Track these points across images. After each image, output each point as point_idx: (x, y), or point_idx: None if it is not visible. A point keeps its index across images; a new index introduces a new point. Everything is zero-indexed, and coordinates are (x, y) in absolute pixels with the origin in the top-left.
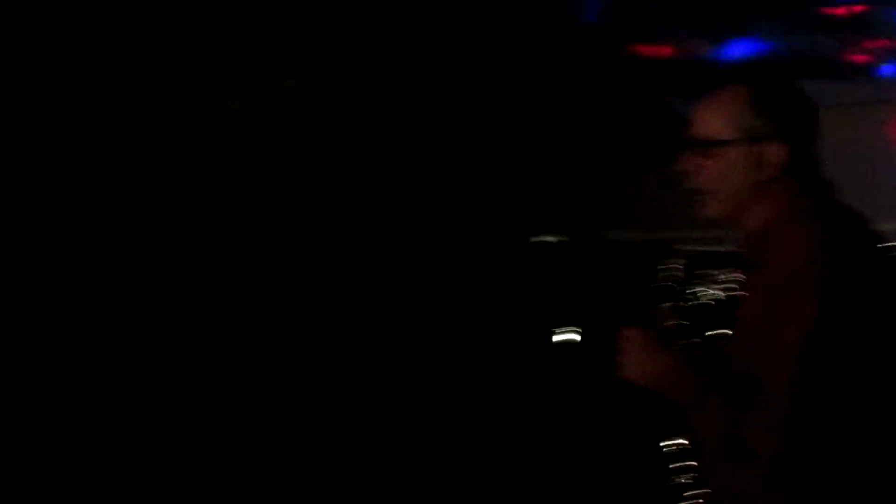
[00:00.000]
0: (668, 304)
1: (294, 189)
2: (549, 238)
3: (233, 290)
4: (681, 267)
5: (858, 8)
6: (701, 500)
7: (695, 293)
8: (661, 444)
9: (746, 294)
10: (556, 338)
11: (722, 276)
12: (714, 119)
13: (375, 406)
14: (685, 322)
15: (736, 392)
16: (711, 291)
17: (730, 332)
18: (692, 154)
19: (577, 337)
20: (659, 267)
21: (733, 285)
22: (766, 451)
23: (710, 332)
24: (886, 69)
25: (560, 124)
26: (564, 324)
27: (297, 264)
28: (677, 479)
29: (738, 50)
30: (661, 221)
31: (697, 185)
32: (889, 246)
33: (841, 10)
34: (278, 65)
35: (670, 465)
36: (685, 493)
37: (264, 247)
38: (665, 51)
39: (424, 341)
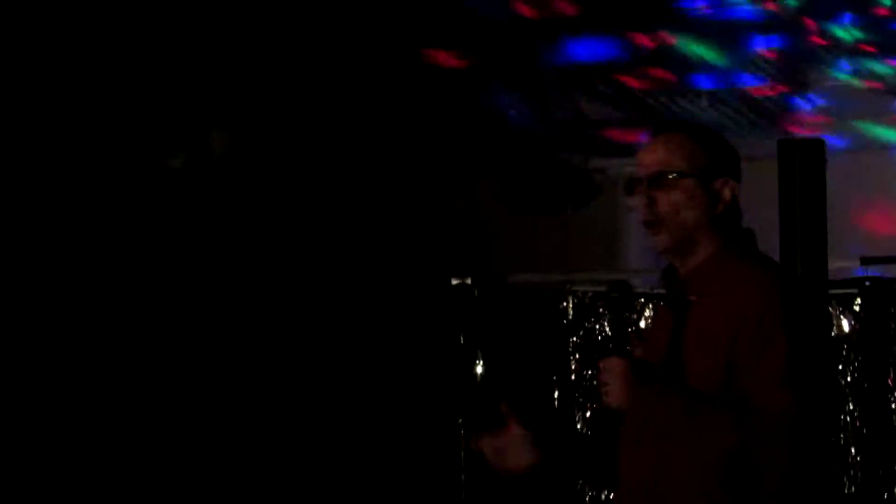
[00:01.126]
0: (636, 336)
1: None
2: (462, 280)
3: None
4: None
5: None
6: None
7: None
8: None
9: (692, 323)
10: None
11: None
12: (669, 154)
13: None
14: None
15: (718, 411)
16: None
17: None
18: (646, 186)
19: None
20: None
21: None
22: (777, 464)
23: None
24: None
25: (471, 179)
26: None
27: (236, 314)
28: None
29: None
30: (562, 265)
31: (651, 216)
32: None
33: None
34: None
35: None
36: None
37: (201, 297)
38: None
39: (343, 386)
